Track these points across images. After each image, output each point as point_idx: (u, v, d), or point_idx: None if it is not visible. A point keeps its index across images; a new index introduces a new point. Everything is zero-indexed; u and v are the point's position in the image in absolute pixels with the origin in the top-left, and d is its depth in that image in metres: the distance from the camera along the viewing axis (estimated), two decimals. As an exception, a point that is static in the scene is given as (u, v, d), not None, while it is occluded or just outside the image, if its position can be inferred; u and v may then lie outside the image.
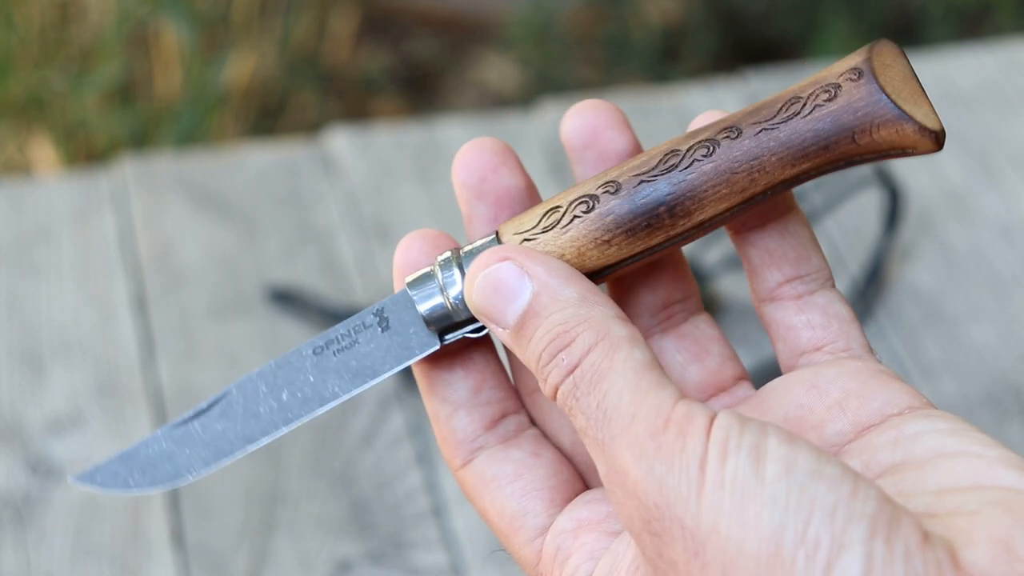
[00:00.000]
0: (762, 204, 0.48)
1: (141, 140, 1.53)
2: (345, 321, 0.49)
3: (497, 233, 0.48)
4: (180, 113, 1.54)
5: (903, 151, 0.47)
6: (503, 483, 0.48)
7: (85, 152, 1.56)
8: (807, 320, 0.48)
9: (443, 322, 0.48)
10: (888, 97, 0.46)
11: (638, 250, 0.47)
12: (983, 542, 0.39)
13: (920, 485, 0.42)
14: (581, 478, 0.49)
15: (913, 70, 0.47)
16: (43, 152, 1.54)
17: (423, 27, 1.87)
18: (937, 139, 0.46)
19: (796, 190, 0.49)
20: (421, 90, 1.82)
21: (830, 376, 0.47)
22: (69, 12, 1.60)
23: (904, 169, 0.97)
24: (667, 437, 0.41)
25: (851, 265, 0.93)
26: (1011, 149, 1.00)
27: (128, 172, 0.97)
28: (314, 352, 0.49)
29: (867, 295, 0.90)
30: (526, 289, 0.45)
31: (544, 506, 0.48)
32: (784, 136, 0.46)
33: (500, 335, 0.46)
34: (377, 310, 0.49)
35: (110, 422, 0.84)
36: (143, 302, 0.90)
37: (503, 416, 0.49)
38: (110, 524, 0.80)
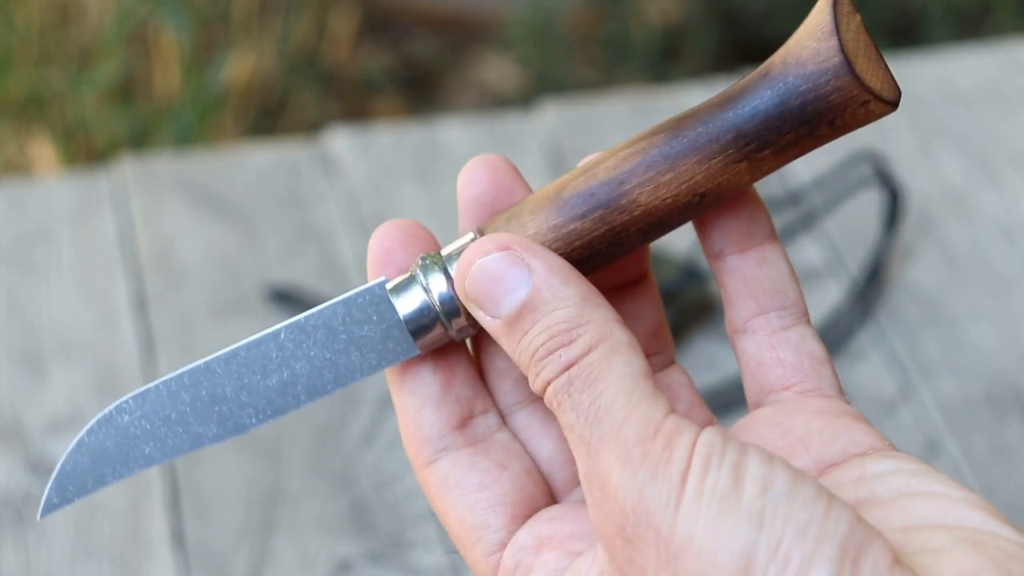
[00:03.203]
0: (737, 229, 0.48)
1: (141, 140, 1.53)
2: (311, 319, 0.48)
3: (480, 232, 0.48)
4: (179, 113, 1.54)
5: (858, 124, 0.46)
6: (466, 492, 0.48)
7: (85, 152, 1.56)
8: (778, 358, 0.48)
9: (424, 327, 0.47)
10: (860, 80, 0.45)
11: (595, 242, 0.47)
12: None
13: (885, 522, 0.42)
14: (549, 491, 0.49)
15: (865, 27, 0.46)
16: (43, 152, 1.54)
17: (423, 27, 1.87)
18: (896, 105, 0.46)
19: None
20: (421, 90, 1.82)
21: (794, 413, 0.47)
22: (69, 12, 1.60)
23: (904, 169, 0.97)
24: (655, 446, 0.41)
25: (851, 265, 0.93)
26: (1011, 149, 1.00)
27: (128, 172, 0.97)
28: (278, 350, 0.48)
29: (867, 295, 0.91)
30: (525, 282, 0.45)
31: (505, 522, 0.47)
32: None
33: (489, 324, 0.46)
34: (345, 310, 0.48)
35: (110, 422, 0.84)
36: (143, 302, 0.90)
37: (472, 416, 0.49)
38: (110, 524, 0.80)
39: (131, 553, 0.79)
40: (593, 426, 0.43)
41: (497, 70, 1.84)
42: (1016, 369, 0.88)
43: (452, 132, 1.00)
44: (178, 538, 0.80)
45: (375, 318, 0.48)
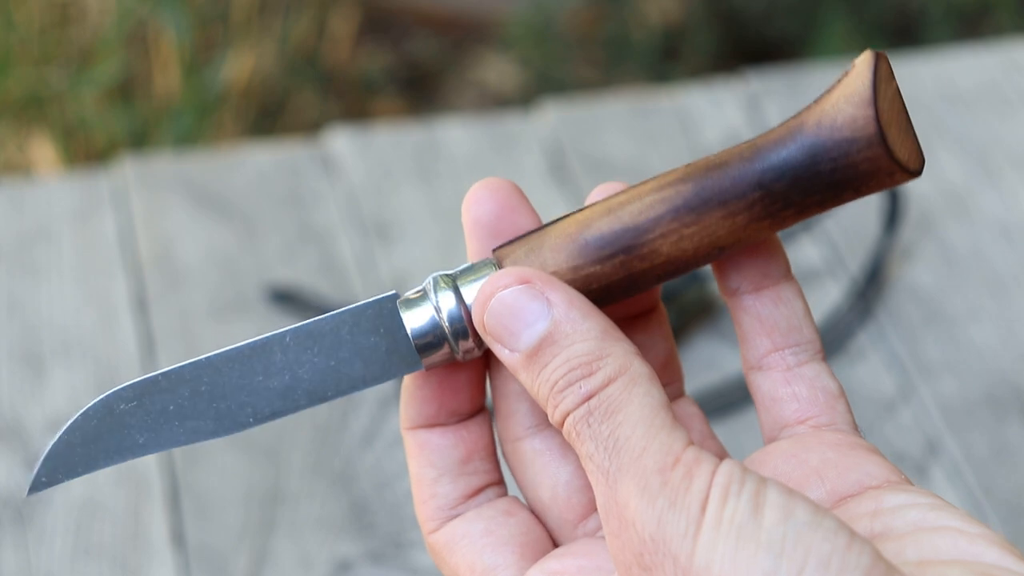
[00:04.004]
0: (754, 269, 0.48)
1: (140, 140, 1.54)
2: (318, 325, 0.48)
3: (495, 253, 0.48)
4: (179, 113, 1.54)
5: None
6: (474, 538, 0.48)
7: (85, 152, 1.56)
8: (793, 393, 0.48)
9: (431, 344, 0.47)
10: (890, 152, 0.45)
11: (612, 285, 0.47)
12: None
13: (900, 556, 0.42)
14: (552, 540, 0.49)
15: (901, 95, 0.46)
16: (43, 152, 1.54)
17: (423, 27, 1.87)
18: (919, 174, 0.46)
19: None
20: (421, 90, 1.82)
21: (810, 445, 0.47)
22: (69, 12, 1.60)
23: (904, 169, 0.97)
24: (674, 474, 0.41)
25: (851, 265, 0.93)
26: (1011, 149, 1.00)
27: (128, 172, 0.97)
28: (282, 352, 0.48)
29: (867, 295, 0.91)
30: (545, 315, 0.45)
31: (515, 559, 0.47)
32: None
33: (507, 359, 0.46)
34: (353, 320, 0.48)
35: (110, 422, 0.84)
36: (143, 302, 0.90)
37: (487, 486, 0.49)
38: (110, 524, 0.80)
39: (131, 553, 0.79)
40: (612, 456, 0.43)
41: (497, 70, 1.84)
42: (1016, 369, 0.88)
43: (452, 132, 1.00)
44: (178, 538, 0.80)
45: (382, 331, 0.48)
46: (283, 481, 0.82)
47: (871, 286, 0.91)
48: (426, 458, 0.49)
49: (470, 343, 0.47)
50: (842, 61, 1.39)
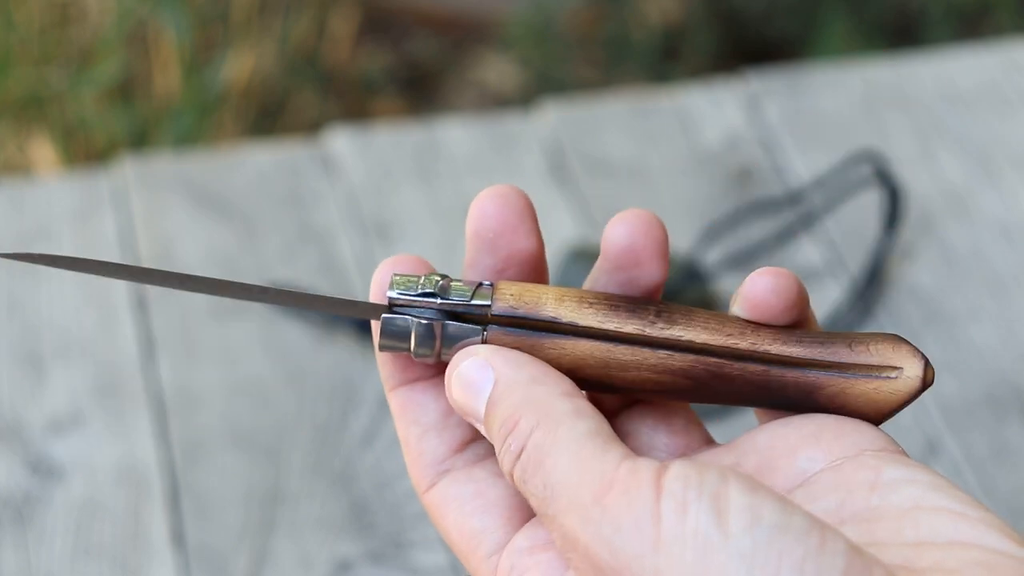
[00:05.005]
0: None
1: (140, 140, 1.53)
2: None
3: (493, 286, 0.48)
4: (179, 113, 1.54)
5: None
6: (464, 501, 0.48)
7: (85, 152, 1.56)
8: None
9: (396, 342, 0.48)
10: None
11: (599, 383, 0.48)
12: None
13: (897, 536, 0.42)
14: None
15: None
16: (43, 152, 1.54)
17: (423, 27, 1.87)
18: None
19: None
20: (421, 90, 1.82)
21: (809, 416, 0.47)
22: (69, 12, 1.60)
23: (904, 169, 0.98)
24: (611, 498, 0.41)
25: (851, 265, 0.93)
26: (1011, 149, 1.00)
27: (128, 172, 0.97)
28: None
29: (867, 295, 0.91)
30: (489, 380, 0.45)
31: (502, 523, 0.47)
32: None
33: (482, 431, 0.46)
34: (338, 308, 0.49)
35: (110, 422, 0.84)
36: (143, 302, 0.90)
37: (473, 440, 0.49)
38: (110, 524, 0.80)
39: (131, 553, 0.79)
40: (551, 503, 0.42)
41: (497, 70, 1.84)
42: (1016, 369, 0.88)
43: (452, 132, 1.00)
44: (178, 538, 0.80)
45: (360, 318, 0.49)
46: (283, 481, 0.82)
47: (871, 286, 0.91)
48: (409, 416, 0.49)
49: (431, 359, 0.48)
50: (842, 61, 1.39)
